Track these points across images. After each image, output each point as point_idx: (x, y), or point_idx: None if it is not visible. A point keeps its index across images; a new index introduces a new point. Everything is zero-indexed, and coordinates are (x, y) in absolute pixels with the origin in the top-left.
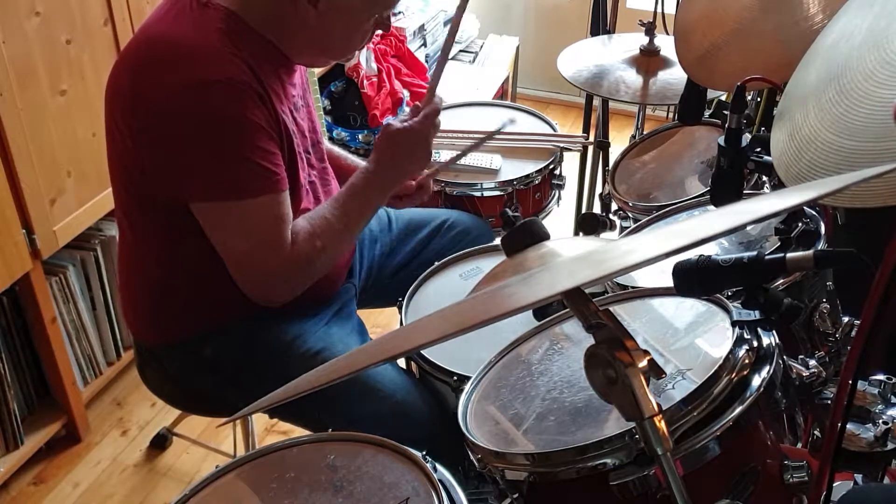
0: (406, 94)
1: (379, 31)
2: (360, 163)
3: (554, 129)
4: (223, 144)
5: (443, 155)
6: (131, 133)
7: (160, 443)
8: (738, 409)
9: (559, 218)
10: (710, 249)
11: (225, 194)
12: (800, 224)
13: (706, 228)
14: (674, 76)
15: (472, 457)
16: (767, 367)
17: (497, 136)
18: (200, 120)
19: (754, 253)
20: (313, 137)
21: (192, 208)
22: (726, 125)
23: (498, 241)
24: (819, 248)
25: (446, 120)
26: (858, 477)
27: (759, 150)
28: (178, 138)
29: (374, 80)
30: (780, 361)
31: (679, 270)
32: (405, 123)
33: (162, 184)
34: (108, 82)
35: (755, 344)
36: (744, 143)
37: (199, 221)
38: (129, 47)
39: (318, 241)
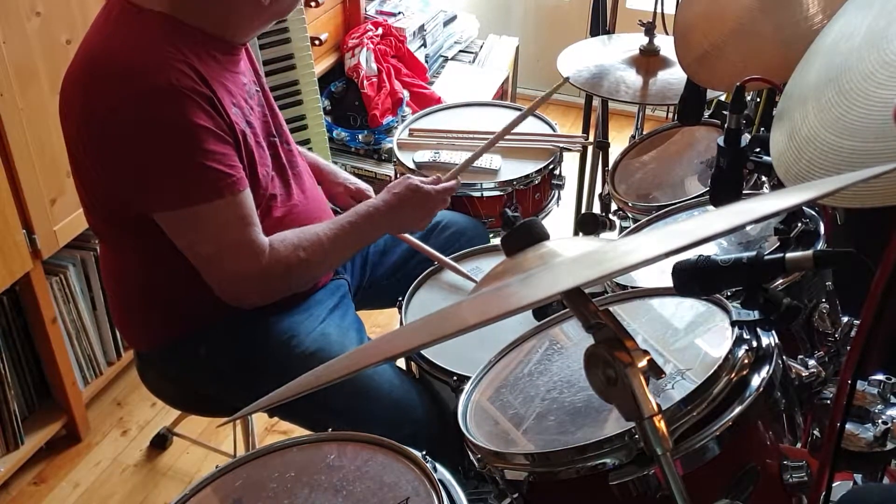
0: (406, 94)
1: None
2: (321, 162)
3: (554, 130)
4: (172, 152)
5: (443, 155)
6: (86, 149)
7: (160, 443)
8: (738, 409)
9: (559, 218)
10: (709, 249)
11: (181, 202)
12: (799, 224)
13: (706, 228)
14: (674, 76)
15: (472, 457)
16: (767, 367)
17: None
18: (146, 129)
19: (754, 253)
20: (275, 120)
21: (154, 218)
22: (726, 125)
23: (498, 241)
24: (818, 248)
25: (446, 120)
26: (858, 477)
27: (758, 150)
28: (127, 149)
29: (374, 80)
30: (780, 361)
31: (679, 270)
32: (425, 185)
33: (122, 197)
34: (60, 100)
35: (755, 344)
36: (743, 144)
37: (163, 229)
38: (73, 64)
39: (302, 252)
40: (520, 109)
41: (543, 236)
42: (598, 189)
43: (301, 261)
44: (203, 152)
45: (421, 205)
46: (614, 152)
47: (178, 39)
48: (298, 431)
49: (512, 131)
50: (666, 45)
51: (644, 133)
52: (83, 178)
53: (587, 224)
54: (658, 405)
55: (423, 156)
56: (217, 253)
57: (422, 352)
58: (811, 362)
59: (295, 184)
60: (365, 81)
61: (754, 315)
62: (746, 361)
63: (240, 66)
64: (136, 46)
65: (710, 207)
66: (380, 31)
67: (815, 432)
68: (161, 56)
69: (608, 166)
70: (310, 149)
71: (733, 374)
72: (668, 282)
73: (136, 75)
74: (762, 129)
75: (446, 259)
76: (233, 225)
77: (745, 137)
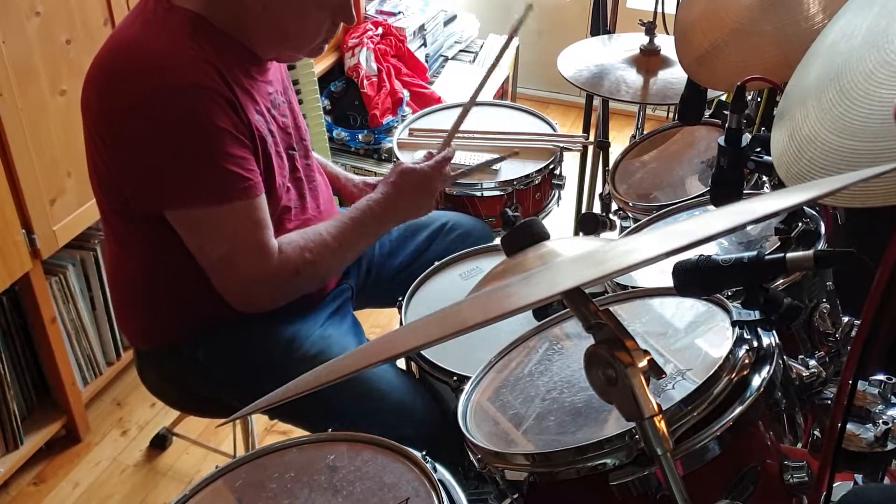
0: (406, 93)
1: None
2: (339, 171)
3: (554, 129)
4: (191, 151)
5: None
6: (104, 142)
7: (160, 443)
8: (738, 410)
9: (559, 218)
10: (710, 249)
11: (196, 201)
12: (800, 224)
13: (706, 228)
14: (674, 76)
15: (472, 457)
16: (767, 367)
17: (498, 136)
18: (167, 127)
19: (754, 253)
20: (297, 134)
21: (167, 216)
22: (726, 125)
23: (498, 241)
24: (819, 248)
25: (446, 120)
26: (858, 477)
27: (759, 150)
28: (146, 146)
29: (374, 79)
30: (780, 361)
31: (679, 270)
32: (418, 165)
33: (136, 193)
34: (82, 91)
35: (755, 344)
36: (744, 143)
37: (176, 229)
38: (99, 56)
39: (308, 253)
40: (520, 109)
41: (544, 236)
42: (599, 189)
43: (308, 262)
44: (222, 154)
45: (419, 186)
46: (614, 152)
47: (206, 40)
48: (298, 432)
49: (511, 131)
50: (666, 44)
51: (644, 133)
52: (97, 167)
53: (587, 224)
54: (658, 405)
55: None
56: (228, 255)
57: (422, 352)
58: (812, 362)
59: (310, 197)
60: (365, 81)
61: (755, 315)
62: (747, 361)
63: (267, 75)
64: (162, 44)
65: (711, 207)
66: (380, 30)
67: (815, 432)
68: (186, 55)
69: (608, 166)
70: None
71: (734, 375)
72: (668, 282)
73: (159, 72)
74: (763, 128)
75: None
76: (246, 228)
77: (746, 137)
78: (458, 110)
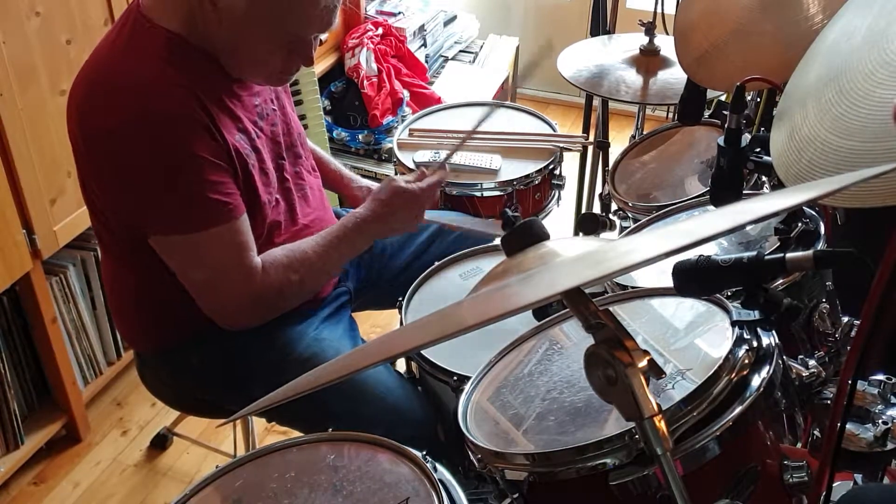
0: (406, 94)
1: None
2: (344, 170)
3: (554, 129)
4: (168, 180)
5: (443, 155)
6: (85, 162)
7: (160, 443)
8: (738, 409)
9: (559, 218)
10: (710, 249)
11: (175, 229)
12: (799, 224)
13: (706, 228)
14: (674, 76)
15: (472, 457)
16: (767, 367)
17: (498, 136)
18: (142, 155)
19: (754, 253)
20: (287, 140)
21: (149, 240)
22: (726, 125)
23: (498, 241)
24: (819, 248)
25: (446, 120)
26: (858, 477)
27: (758, 150)
28: (122, 174)
29: (374, 80)
30: (780, 361)
31: (679, 270)
32: (409, 185)
33: (116, 217)
34: (67, 106)
35: (755, 344)
36: (743, 144)
37: (158, 252)
38: (82, 73)
39: (294, 274)
40: (520, 109)
41: (543, 236)
42: (598, 189)
43: (293, 282)
44: (200, 182)
45: (409, 206)
46: (614, 152)
47: (184, 62)
48: (298, 432)
49: (511, 131)
50: (666, 44)
51: (644, 133)
52: (84, 184)
53: (587, 224)
54: (658, 405)
55: (423, 156)
56: (210, 278)
57: (422, 352)
58: (811, 362)
59: (300, 208)
60: (365, 81)
61: (754, 315)
62: (747, 361)
63: (252, 88)
64: (138, 69)
65: (711, 207)
66: (380, 31)
67: (815, 432)
68: (161, 81)
69: (608, 166)
70: None
71: (733, 375)
72: (668, 282)
73: (135, 98)
74: (762, 129)
75: (468, 223)
76: (227, 251)
77: (746, 137)
78: (457, 111)
